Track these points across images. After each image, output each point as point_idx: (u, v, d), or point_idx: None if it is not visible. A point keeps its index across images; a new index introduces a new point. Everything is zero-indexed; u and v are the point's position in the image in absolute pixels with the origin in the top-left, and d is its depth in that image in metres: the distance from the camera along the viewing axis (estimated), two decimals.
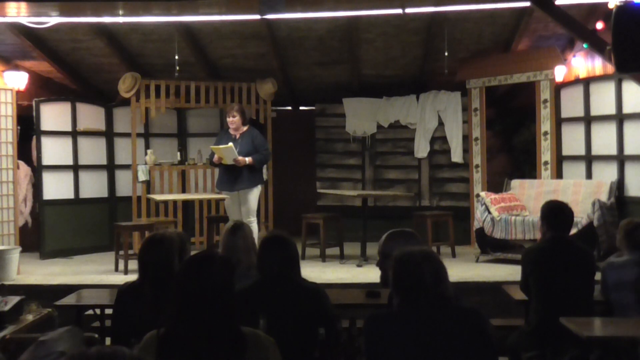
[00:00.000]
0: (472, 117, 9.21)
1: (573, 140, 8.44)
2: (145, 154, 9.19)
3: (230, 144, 7.57)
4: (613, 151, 7.85)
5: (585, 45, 7.67)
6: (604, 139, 7.98)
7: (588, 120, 8.21)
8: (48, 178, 9.02)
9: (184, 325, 2.47)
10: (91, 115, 9.49)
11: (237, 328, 2.51)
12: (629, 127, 7.66)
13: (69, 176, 9.26)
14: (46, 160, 8.99)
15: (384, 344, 2.72)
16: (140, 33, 8.60)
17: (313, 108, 10.47)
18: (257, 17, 7.04)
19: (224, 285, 2.52)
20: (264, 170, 8.31)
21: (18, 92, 8.40)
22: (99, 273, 7.66)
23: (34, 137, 9.00)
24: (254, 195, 7.79)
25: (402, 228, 3.85)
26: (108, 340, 4.30)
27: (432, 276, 2.78)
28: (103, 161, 9.61)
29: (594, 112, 8.14)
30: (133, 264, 7.01)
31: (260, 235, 7.20)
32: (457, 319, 2.76)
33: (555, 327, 4.00)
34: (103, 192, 9.61)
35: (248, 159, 7.61)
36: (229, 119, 7.81)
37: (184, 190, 9.56)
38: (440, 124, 9.64)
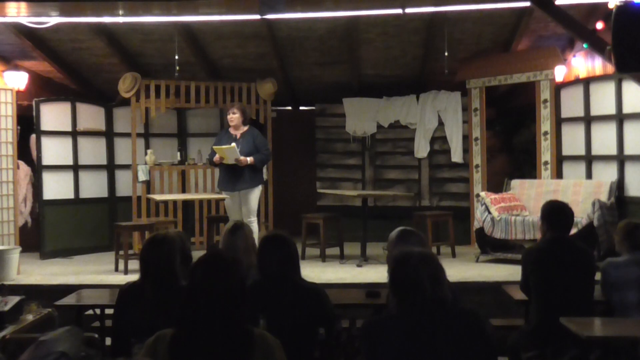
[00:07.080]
0: (472, 117, 9.22)
1: (573, 140, 8.44)
2: (145, 154, 9.19)
3: (233, 144, 7.59)
4: (613, 151, 7.84)
5: (585, 45, 7.68)
6: (604, 139, 7.98)
7: (588, 120, 8.21)
8: (48, 178, 9.01)
9: (194, 325, 2.47)
10: (91, 115, 9.49)
11: (246, 328, 2.52)
12: (629, 127, 7.66)
13: (69, 176, 9.25)
14: (46, 160, 8.99)
15: (383, 348, 2.71)
16: (140, 33, 8.60)
17: (313, 108, 10.47)
18: (257, 17, 7.05)
19: (237, 285, 2.53)
20: (264, 171, 8.32)
21: (18, 92, 8.39)
22: (99, 273, 7.66)
23: (32, 136, 8.99)
24: (255, 195, 7.81)
25: (406, 227, 3.84)
26: (108, 340, 4.29)
27: (430, 279, 2.77)
28: (103, 161, 9.61)
29: (594, 112, 8.14)
30: (133, 264, 7.02)
31: (260, 235, 7.19)
32: (455, 321, 2.75)
33: (555, 327, 4.00)
34: (103, 192, 9.61)
35: (249, 159, 7.63)
36: (229, 116, 7.83)
37: (184, 190, 9.56)
38: (440, 124, 9.64)
